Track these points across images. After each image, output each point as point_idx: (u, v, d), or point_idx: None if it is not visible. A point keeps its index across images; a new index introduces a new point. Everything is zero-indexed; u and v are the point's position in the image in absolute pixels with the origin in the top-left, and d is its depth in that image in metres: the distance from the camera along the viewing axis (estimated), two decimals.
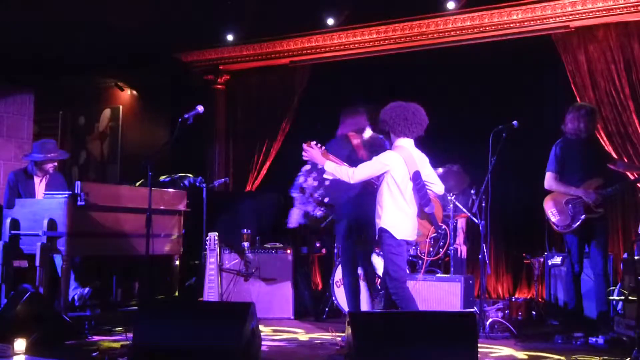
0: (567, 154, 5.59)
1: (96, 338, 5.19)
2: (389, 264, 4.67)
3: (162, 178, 6.42)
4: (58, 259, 5.65)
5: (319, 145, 4.85)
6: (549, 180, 5.66)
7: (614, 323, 5.33)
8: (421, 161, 4.80)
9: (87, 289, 5.91)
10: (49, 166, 6.31)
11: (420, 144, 4.87)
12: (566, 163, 5.60)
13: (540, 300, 6.63)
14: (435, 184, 4.86)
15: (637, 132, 6.62)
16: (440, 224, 4.95)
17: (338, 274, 6.39)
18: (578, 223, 5.46)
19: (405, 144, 4.75)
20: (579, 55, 6.94)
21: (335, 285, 6.42)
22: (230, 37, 8.55)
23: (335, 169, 4.77)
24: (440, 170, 6.33)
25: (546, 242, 6.31)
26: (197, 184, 6.31)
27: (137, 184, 6.12)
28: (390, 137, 4.83)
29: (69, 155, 7.16)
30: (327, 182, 5.73)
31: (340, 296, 6.37)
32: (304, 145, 4.86)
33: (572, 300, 5.60)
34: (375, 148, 5.19)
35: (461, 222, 6.70)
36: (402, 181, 4.66)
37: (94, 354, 4.57)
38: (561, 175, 5.61)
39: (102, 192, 5.81)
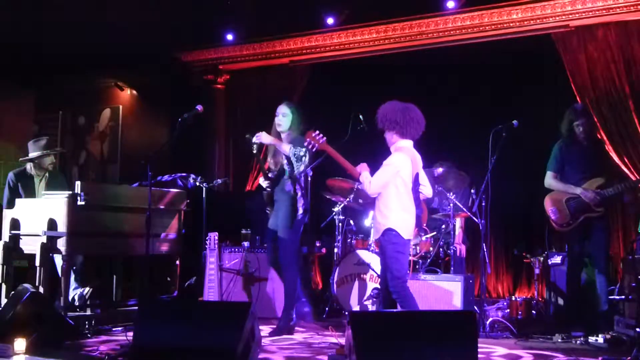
0: (567, 153, 5.60)
1: (96, 338, 5.18)
2: (392, 263, 4.66)
3: (162, 177, 6.41)
4: (58, 259, 5.64)
5: (320, 135, 4.83)
6: (548, 179, 5.67)
7: (614, 322, 5.33)
8: (419, 163, 4.84)
9: (87, 289, 5.90)
10: (48, 163, 6.30)
11: (418, 143, 4.87)
12: (567, 163, 5.61)
13: (540, 299, 6.63)
14: (426, 186, 4.92)
15: (637, 132, 6.61)
16: (424, 227, 4.98)
17: (338, 273, 6.39)
18: (578, 222, 5.46)
19: (408, 145, 4.78)
20: (579, 55, 6.93)
21: (335, 285, 6.42)
22: (230, 37, 8.56)
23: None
24: (440, 169, 6.33)
25: (546, 241, 6.31)
26: (197, 183, 6.31)
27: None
28: (388, 137, 4.81)
29: (64, 150, 7.14)
30: None
31: (341, 296, 6.38)
32: (306, 136, 4.85)
33: (572, 300, 5.60)
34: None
35: (460, 222, 6.70)
36: (409, 181, 4.69)
37: (94, 353, 4.57)
38: (562, 175, 5.61)
39: (102, 191, 5.81)
